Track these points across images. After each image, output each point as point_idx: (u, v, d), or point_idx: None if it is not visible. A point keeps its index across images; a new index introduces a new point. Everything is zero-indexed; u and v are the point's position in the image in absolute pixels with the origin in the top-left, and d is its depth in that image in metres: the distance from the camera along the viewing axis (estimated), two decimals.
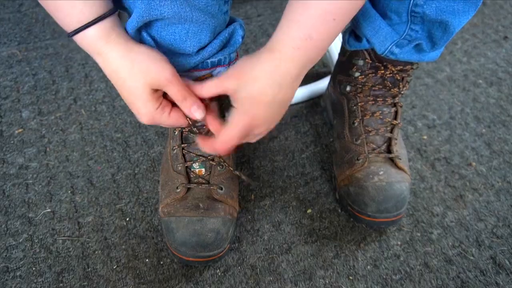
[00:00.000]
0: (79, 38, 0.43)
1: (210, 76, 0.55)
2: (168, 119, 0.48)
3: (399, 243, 0.62)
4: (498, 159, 0.74)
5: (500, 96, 0.84)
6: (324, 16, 0.40)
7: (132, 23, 0.45)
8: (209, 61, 0.51)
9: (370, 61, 0.61)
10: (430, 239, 0.63)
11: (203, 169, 0.59)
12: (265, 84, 0.44)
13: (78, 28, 0.42)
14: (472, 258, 0.61)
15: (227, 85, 0.46)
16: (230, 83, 0.46)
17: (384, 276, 0.59)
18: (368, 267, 0.60)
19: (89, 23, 0.42)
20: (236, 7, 1.03)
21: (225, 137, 0.48)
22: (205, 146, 0.51)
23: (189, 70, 0.52)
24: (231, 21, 0.53)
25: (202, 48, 0.50)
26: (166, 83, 0.46)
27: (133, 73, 0.44)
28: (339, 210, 0.66)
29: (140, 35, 0.48)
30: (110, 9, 0.43)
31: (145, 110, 0.46)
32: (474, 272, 0.60)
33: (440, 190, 0.69)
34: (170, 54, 0.50)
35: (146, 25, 0.47)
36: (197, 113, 0.48)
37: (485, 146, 0.75)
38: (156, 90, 0.46)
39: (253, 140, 0.51)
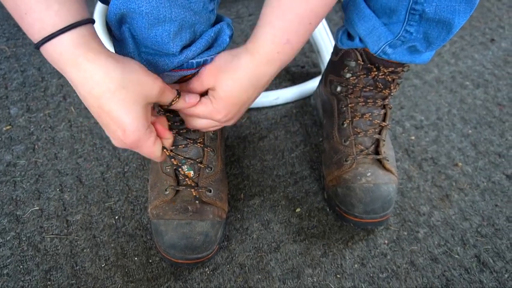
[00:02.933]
0: (51, 46, 0.37)
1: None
2: (151, 146, 0.46)
3: (386, 242, 0.63)
4: (484, 159, 0.75)
5: (486, 98, 0.86)
6: (302, 21, 0.43)
7: (110, 14, 0.45)
8: (194, 61, 0.51)
9: (362, 63, 0.62)
10: (417, 238, 0.64)
11: (192, 172, 0.59)
12: (242, 89, 0.46)
13: (54, 33, 0.36)
14: (457, 256, 0.62)
15: (206, 84, 0.48)
16: (209, 81, 0.48)
17: (371, 275, 0.60)
18: (356, 265, 0.61)
19: (67, 26, 0.36)
20: (228, 6, 1.03)
21: (191, 111, 0.50)
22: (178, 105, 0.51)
23: (173, 70, 0.52)
24: (219, 20, 0.52)
25: (186, 47, 0.49)
26: (160, 95, 0.45)
27: (125, 83, 0.40)
28: (328, 209, 0.67)
29: (121, 31, 0.48)
30: (88, 16, 0.39)
31: (133, 127, 0.42)
32: (459, 270, 0.61)
33: (427, 189, 0.70)
34: (153, 54, 0.50)
35: (127, 23, 0.47)
36: (193, 98, 0.49)
37: (471, 147, 0.77)
38: (147, 107, 0.44)
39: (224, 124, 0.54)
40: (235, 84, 0.46)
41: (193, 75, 0.54)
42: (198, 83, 0.49)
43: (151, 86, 0.43)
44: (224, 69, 0.47)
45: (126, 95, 0.41)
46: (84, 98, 0.41)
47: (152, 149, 0.46)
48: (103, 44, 0.42)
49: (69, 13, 0.37)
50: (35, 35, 0.37)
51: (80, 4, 0.39)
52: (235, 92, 0.46)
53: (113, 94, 0.40)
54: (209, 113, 0.49)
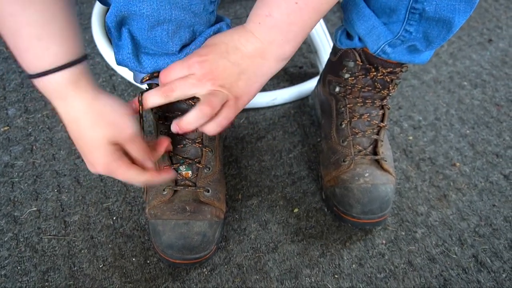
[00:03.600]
0: (44, 81, 0.41)
1: None
2: (125, 172, 0.46)
3: (384, 242, 0.63)
4: (482, 159, 0.75)
5: (484, 98, 0.86)
6: None
7: (111, 16, 0.46)
8: None
9: (361, 63, 0.62)
10: (414, 238, 0.64)
11: (190, 172, 0.59)
12: (222, 40, 0.46)
13: (50, 70, 0.40)
14: (454, 256, 0.62)
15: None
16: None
17: (369, 275, 0.60)
18: (353, 265, 0.61)
19: (61, 66, 0.40)
20: (226, 7, 1.03)
21: (170, 66, 0.47)
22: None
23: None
24: (218, 20, 0.53)
25: (186, 46, 0.50)
26: (128, 141, 0.45)
27: (96, 124, 0.43)
28: (326, 210, 0.67)
29: (120, 33, 0.48)
30: (82, 54, 0.42)
31: (100, 162, 0.45)
32: (457, 270, 0.61)
33: (425, 190, 0.70)
34: (153, 54, 0.50)
35: (127, 24, 0.47)
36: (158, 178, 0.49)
37: (469, 147, 0.77)
38: (115, 145, 0.45)
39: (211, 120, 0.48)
40: (216, 36, 0.47)
41: None
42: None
43: (121, 132, 0.45)
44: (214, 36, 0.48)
45: (95, 135, 0.44)
46: (67, 126, 0.45)
47: (126, 176, 0.47)
48: (92, 80, 0.44)
49: (65, 54, 0.40)
50: (31, 69, 0.40)
51: (76, 43, 0.41)
52: (214, 41, 0.46)
53: (84, 131, 0.44)
54: (184, 60, 0.46)
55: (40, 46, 0.39)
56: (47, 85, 0.41)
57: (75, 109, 0.43)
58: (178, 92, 0.47)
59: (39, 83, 0.41)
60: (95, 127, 0.43)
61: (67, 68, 0.40)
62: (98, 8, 0.96)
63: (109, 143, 0.44)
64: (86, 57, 0.43)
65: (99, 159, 0.45)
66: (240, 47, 0.45)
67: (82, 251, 0.61)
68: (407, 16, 0.52)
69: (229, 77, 0.46)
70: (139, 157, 0.47)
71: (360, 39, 0.59)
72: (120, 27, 0.48)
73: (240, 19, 1.00)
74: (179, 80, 0.46)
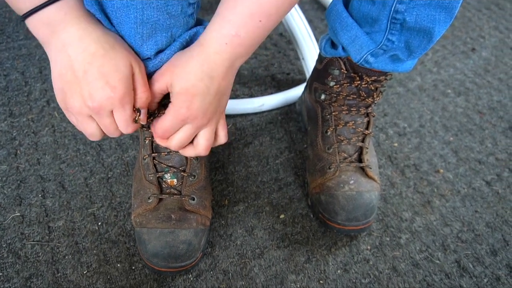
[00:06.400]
0: (54, 9, 0.42)
1: None
2: (131, 111, 0.47)
3: (368, 247, 0.64)
4: (464, 166, 0.76)
5: (467, 106, 0.88)
6: (251, 17, 0.44)
7: (90, 3, 0.45)
8: None
9: (346, 71, 0.62)
10: (399, 243, 0.65)
11: (175, 180, 0.59)
12: (196, 78, 0.46)
13: (47, 2, 0.41)
14: (438, 262, 0.63)
15: (164, 80, 0.48)
16: (166, 78, 0.48)
17: (354, 280, 0.60)
18: (339, 271, 0.61)
19: None
20: (213, 10, 1.03)
21: (159, 126, 0.50)
22: (153, 131, 0.52)
23: (148, 75, 0.51)
24: (199, 24, 0.52)
25: (161, 51, 0.49)
26: (142, 65, 0.47)
27: (116, 46, 0.45)
28: (311, 216, 0.67)
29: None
30: None
31: (123, 83, 0.45)
32: (440, 275, 0.62)
33: (409, 196, 0.71)
34: None
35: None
36: (141, 117, 0.50)
37: (453, 154, 0.78)
38: (130, 74, 0.46)
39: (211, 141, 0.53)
40: (189, 75, 0.46)
41: None
42: (157, 82, 0.49)
43: (134, 57, 0.47)
44: (178, 64, 0.47)
45: (116, 56, 0.44)
46: (73, 59, 0.44)
47: (131, 115, 0.48)
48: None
49: None
50: (27, 5, 0.42)
51: None
52: (190, 83, 0.46)
53: (106, 52, 0.44)
54: (173, 116, 0.48)
55: None
56: (59, 13, 0.42)
57: (91, 32, 0.44)
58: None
59: (38, 18, 0.42)
60: (114, 50, 0.44)
61: None
62: None
63: (129, 68, 0.45)
64: None
65: (121, 81, 0.45)
66: (214, 75, 0.47)
67: (66, 257, 0.60)
68: (388, 25, 0.53)
69: (215, 105, 0.49)
70: (144, 85, 0.48)
71: (344, 48, 0.60)
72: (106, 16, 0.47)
73: None
74: (180, 135, 0.50)
